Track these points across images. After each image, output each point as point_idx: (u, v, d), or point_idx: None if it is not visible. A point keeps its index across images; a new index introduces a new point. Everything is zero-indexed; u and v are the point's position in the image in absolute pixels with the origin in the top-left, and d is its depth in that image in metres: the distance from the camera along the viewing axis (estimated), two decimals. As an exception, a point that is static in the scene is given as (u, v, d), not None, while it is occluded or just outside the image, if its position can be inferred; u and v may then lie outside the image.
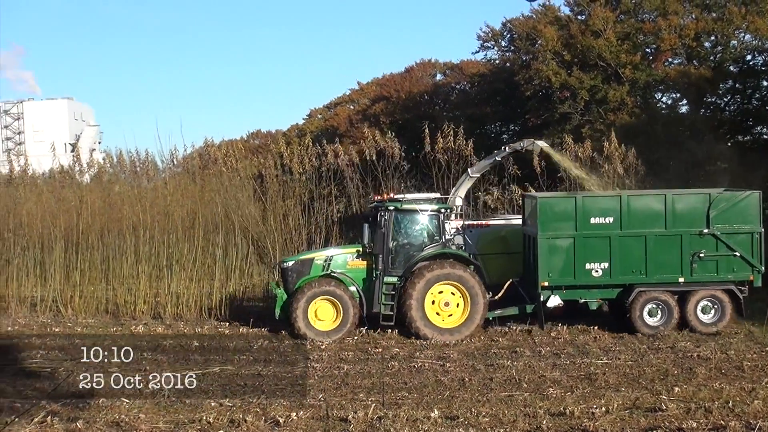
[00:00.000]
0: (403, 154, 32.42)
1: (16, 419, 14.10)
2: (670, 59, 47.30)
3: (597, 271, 23.02)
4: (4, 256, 29.36)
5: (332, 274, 23.91)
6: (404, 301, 22.91)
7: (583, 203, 23.18)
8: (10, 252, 29.28)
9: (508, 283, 24.09)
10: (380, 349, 21.03)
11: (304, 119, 77.99)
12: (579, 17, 49.38)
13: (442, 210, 24.21)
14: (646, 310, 22.95)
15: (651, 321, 22.97)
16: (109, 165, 37.57)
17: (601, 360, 19.45)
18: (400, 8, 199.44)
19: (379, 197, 25.24)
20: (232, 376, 18.07)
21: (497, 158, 28.18)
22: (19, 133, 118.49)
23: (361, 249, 24.26)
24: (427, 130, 32.23)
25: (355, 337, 22.72)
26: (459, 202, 27.16)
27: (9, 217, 30.48)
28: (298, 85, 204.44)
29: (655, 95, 49.33)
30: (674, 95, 49.57)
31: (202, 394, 16.38)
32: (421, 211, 24.14)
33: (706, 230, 22.92)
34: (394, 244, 23.92)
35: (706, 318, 23.09)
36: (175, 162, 35.65)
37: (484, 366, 18.93)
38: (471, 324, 22.94)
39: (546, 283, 23.00)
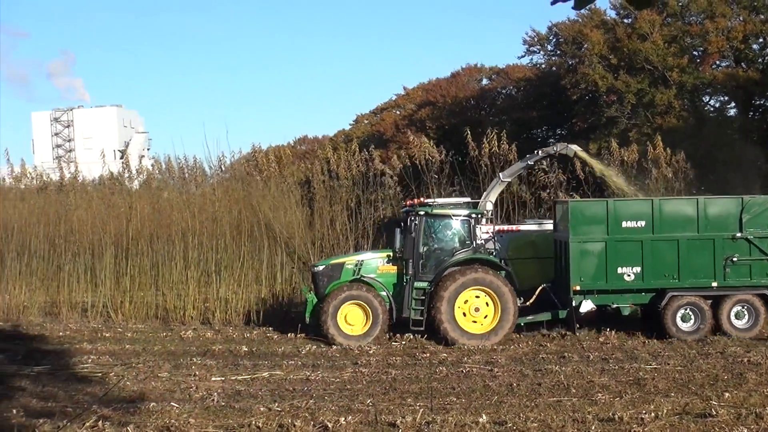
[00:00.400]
0: (447, 159, 32.32)
1: (68, 423, 14.24)
2: (717, 62, 47.04)
3: (629, 276, 22.86)
4: (56, 262, 29.69)
5: (363, 278, 23.92)
6: (434, 306, 22.79)
7: (615, 207, 23.05)
8: (61, 258, 29.60)
9: (540, 288, 23.91)
10: (428, 354, 21.02)
11: (350, 125, 78.34)
12: (625, 20, 49.20)
13: (473, 215, 24.12)
14: (679, 315, 22.76)
15: (684, 326, 22.77)
16: (157, 171, 37.90)
17: (650, 365, 19.31)
18: (446, 13, 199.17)
19: (410, 202, 25.23)
20: (281, 380, 18.16)
21: (530, 162, 28.00)
22: (69, 141, 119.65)
23: (391, 254, 24.23)
24: (469, 135, 32.16)
25: (403, 342, 22.72)
26: (489, 206, 26.93)
27: (60, 224, 30.81)
28: (345, 90, 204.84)
29: (703, 98, 49.12)
30: (722, 98, 49.33)
31: (251, 398, 16.50)
32: (452, 216, 24.10)
33: (739, 234, 22.69)
34: (425, 249, 23.88)
35: (739, 323, 22.85)
36: (223, 168, 35.90)
37: (532, 371, 18.86)
38: (501, 329, 22.80)
39: (578, 288, 22.87)
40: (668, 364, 19.43)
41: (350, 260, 24.48)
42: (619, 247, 22.78)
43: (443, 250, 24.02)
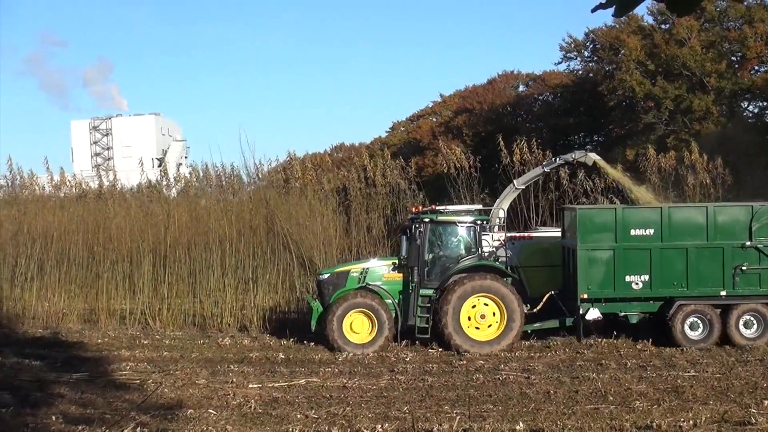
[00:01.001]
0: (476, 165, 32.23)
1: (107, 430, 14.32)
2: (756, 67, 46.75)
3: (637, 284, 22.66)
4: (95, 270, 29.88)
5: (368, 286, 23.84)
6: (440, 314, 22.69)
7: (623, 215, 22.86)
8: (100, 266, 29.79)
9: (547, 295, 23.72)
10: (464, 362, 20.99)
11: (387, 132, 78.53)
12: (663, 26, 49.01)
13: (478, 222, 24.01)
14: (687, 323, 22.53)
15: (692, 335, 22.54)
16: (195, 179, 38.09)
17: (689, 372, 19.19)
18: (483, 20, 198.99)
19: (417, 209, 25.14)
20: (318, 387, 18.19)
21: (546, 169, 27.75)
22: (108, 149, 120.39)
23: (397, 261, 24.20)
24: (502, 142, 32.09)
25: (439, 349, 22.68)
26: (502, 213, 26.68)
27: (99, 232, 31.01)
28: (381, 98, 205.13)
29: (741, 104, 48.80)
30: (760, 104, 48.96)
31: (288, 405, 16.54)
32: (457, 223, 23.99)
33: (748, 243, 22.45)
34: (430, 256, 23.76)
35: (748, 332, 22.58)
36: (260, 176, 36.03)
37: (569, 378, 18.80)
38: (507, 337, 22.69)
39: (585, 296, 22.69)
40: (707, 371, 19.30)
41: (355, 268, 24.43)
42: (628, 254, 22.61)
43: (449, 257, 23.93)
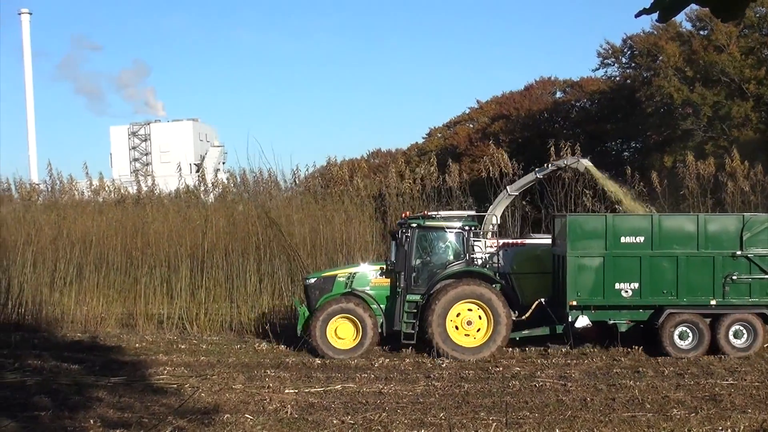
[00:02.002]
0: (520, 171, 32.16)
1: (144, 434, 14.45)
2: (795, 73, 46.24)
3: (627, 292, 22.47)
4: (133, 274, 30.05)
5: (354, 291, 23.80)
6: (426, 319, 22.56)
7: (614, 222, 22.70)
8: (138, 271, 29.96)
9: (536, 303, 23.60)
10: (501, 368, 20.93)
11: (423, 138, 78.43)
12: (701, 32, 48.72)
13: (466, 227, 23.86)
14: (676, 332, 22.35)
15: (682, 344, 22.34)
16: (232, 184, 38.24)
17: (727, 381, 19.05)
18: (520, 26, 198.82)
19: (406, 215, 25.03)
20: (354, 393, 18.19)
21: (539, 175, 27.58)
22: (146, 154, 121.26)
23: (385, 266, 24.15)
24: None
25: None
26: (495, 220, 26.47)
27: (137, 237, 31.20)
28: (419, 104, 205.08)
29: (781, 110, 48.31)
30: (801, 110, 48.48)
31: (324, 411, 16.56)
32: (445, 228, 23.92)
33: (739, 252, 22.23)
34: (418, 261, 23.68)
35: (738, 342, 22.36)
36: (297, 181, 36.15)
37: (606, 386, 18.71)
38: (493, 343, 22.56)
39: (574, 303, 22.53)
40: (745, 379, 19.16)
41: (342, 273, 24.38)
42: (617, 262, 22.43)
43: (436, 262, 23.83)
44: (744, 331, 22.40)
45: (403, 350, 23.28)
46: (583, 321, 22.68)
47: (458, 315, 22.73)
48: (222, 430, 15.02)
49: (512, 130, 61.95)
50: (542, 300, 23.62)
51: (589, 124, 56.79)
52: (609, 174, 28.84)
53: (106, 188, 38.62)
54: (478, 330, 22.76)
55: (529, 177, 27.75)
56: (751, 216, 22.86)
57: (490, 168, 32.60)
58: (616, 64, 58.97)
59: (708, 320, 22.48)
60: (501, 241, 25.19)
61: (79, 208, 34.57)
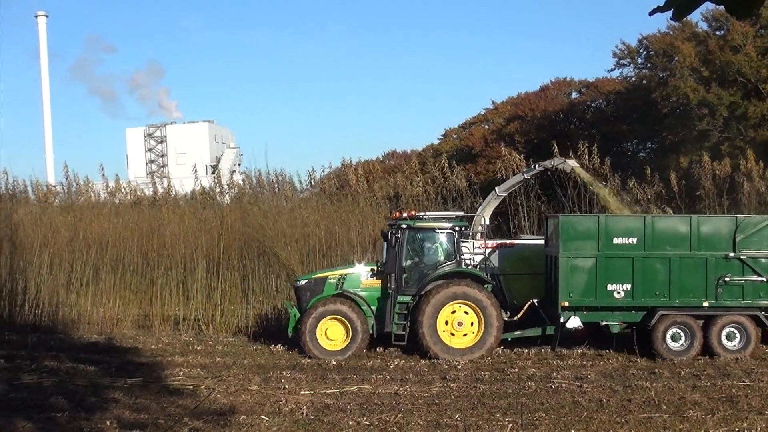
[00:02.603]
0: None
1: (161, 435, 14.48)
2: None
3: (619, 293, 22.40)
4: (149, 276, 30.11)
5: (345, 293, 23.78)
6: (416, 320, 22.54)
7: (606, 223, 22.65)
8: (154, 272, 30.03)
9: (528, 303, 23.56)
10: (516, 369, 20.89)
11: (439, 139, 78.46)
12: (717, 33, 48.60)
13: (457, 228, 23.79)
14: (669, 334, 22.26)
15: (674, 346, 22.26)
16: (248, 186, 38.28)
17: (743, 382, 18.99)
18: (535, 27, 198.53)
19: (396, 215, 24.96)
20: (370, 394, 18.19)
21: (526, 176, 27.67)
22: (162, 156, 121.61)
23: (375, 268, 24.13)
24: (556, 149, 31.96)
25: (489, 358, 22.60)
26: (483, 221, 26.48)
27: (153, 238, 31.26)
28: (434, 105, 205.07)
29: (797, 110, 48.13)
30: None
31: (339, 412, 16.56)
32: (435, 229, 23.88)
33: (732, 254, 22.16)
34: (408, 262, 23.66)
35: (730, 344, 22.27)
36: (313, 183, 36.18)
37: (622, 387, 18.67)
38: (484, 344, 22.52)
39: (566, 304, 22.48)
40: (762, 381, 19.11)
41: (333, 274, 24.37)
42: (610, 263, 22.39)
43: (427, 263, 23.82)
44: (737, 333, 22.34)
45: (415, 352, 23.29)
46: (574, 322, 22.65)
47: (449, 315, 22.72)
48: (238, 431, 15.04)
49: (527, 131, 61.91)
50: (534, 301, 23.59)
51: (604, 125, 56.69)
52: (626, 173, 28.80)
53: (122, 190, 38.71)
54: (469, 332, 22.74)
55: (517, 178, 27.92)
56: (744, 218, 22.81)
57: (504, 170, 32.53)
58: (631, 65, 58.90)
59: (700, 322, 22.42)
60: (490, 242, 25.23)
61: (95, 209, 34.66)
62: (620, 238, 22.44)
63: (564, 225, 22.73)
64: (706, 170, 30.73)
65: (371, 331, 23.50)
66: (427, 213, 25.35)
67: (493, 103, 73.94)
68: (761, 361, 21.62)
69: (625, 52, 57.67)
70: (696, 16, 52.09)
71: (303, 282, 24.41)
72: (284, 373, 20.60)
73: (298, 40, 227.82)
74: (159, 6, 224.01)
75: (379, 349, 23.82)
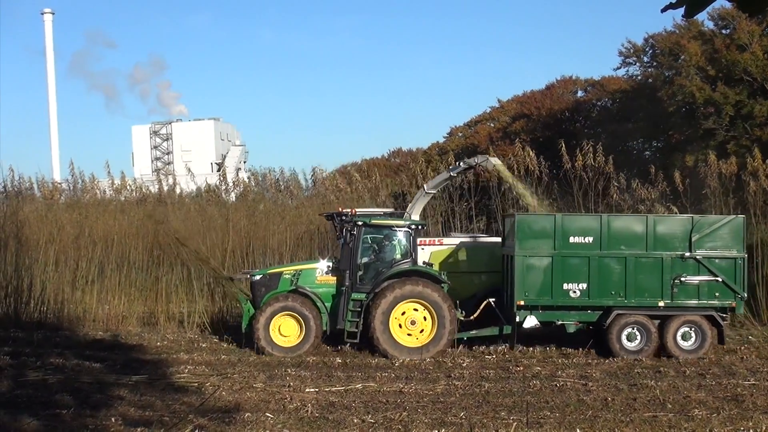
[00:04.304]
0: (545, 170, 32.11)
1: (166, 432, 14.49)
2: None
3: (575, 292, 22.38)
4: (154, 273, 30.14)
5: (299, 289, 23.74)
6: (370, 317, 22.50)
7: (563, 222, 22.60)
8: (159, 269, 30.06)
9: (485, 303, 23.53)
10: (521, 368, 20.88)
11: (444, 137, 78.32)
12: (723, 31, 48.51)
13: (413, 226, 23.76)
14: (624, 334, 22.22)
15: (629, 345, 22.22)
16: (254, 184, 38.31)
17: (749, 381, 18.99)
18: (541, 26, 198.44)
19: (340, 210, 24.92)
20: (375, 392, 18.20)
21: (452, 174, 27.61)
22: (167, 153, 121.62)
23: (331, 264, 24.10)
24: (563, 147, 31.97)
25: (494, 356, 22.59)
26: (414, 218, 26.48)
27: (159, 236, 31.27)
28: (440, 103, 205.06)
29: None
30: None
31: (344, 410, 16.57)
32: (391, 227, 23.86)
33: (688, 254, 22.16)
34: (364, 260, 23.61)
35: (686, 344, 22.24)
36: (318, 181, 36.22)
37: (627, 386, 18.67)
38: (437, 344, 22.46)
39: (522, 303, 22.43)
40: (767, 380, 19.08)
41: (288, 270, 24.37)
42: (566, 262, 22.39)
43: (382, 261, 23.75)
44: (692, 333, 22.33)
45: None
46: (531, 321, 22.64)
47: (402, 314, 22.69)
48: (243, 429, 15.05)
49: (533, 130, 61.85)
50: (491, 300, 23.56)
51: (610, 124, 56.59)
52: (631, 172, 28.76)
53: (128, 187, 38.72)
54: (422, 330, 22.69)
55: (444, 175, 27.92)
56: (700, 218, 22.84)
57: (515, 167, 32.48)
58: (637, 63, 58.79)
59: (656, 322, 22.42)
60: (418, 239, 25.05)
61: (101, 207, 34.69)
62: (576, 238, 22.44)
63: (520, 224, 22.70)
64: (711, 169, 30.65)
65: (325, 328, 23.52)
66: (359, 209, 25.28)
67: (499, 101, 73.85)
68: (766, 360, 21.60)
69: (631, 50, 57.56)
70: (702, 15, 52.04)
71: (258, 277, 24.37)
72: (289, 370, 20.60)
73: (304, 37, 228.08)
74: (165, 3, 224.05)
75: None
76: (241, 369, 20.83)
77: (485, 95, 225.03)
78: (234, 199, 37.82)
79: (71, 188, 38.27)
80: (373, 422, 15.53)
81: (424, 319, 22.70)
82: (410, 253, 23.58)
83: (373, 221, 23.79)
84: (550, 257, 22.42)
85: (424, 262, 24.28)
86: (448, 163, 34.55)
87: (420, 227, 24.38)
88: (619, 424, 15.34)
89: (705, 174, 30.75)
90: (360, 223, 23.51)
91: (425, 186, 27.77)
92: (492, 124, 71.99)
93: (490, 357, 22.49)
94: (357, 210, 24.97)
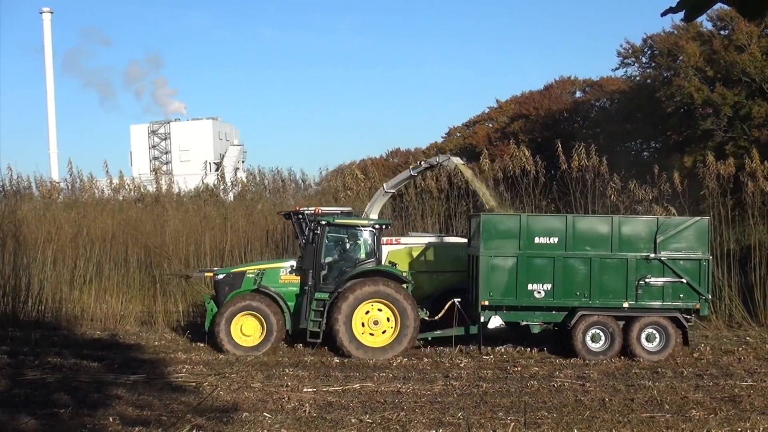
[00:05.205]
0: (543, 170, 32.12)
1: (163, 432, 14.50)
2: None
3: (539, 293, 22.32)
4: (151, 272, 30.16)
5: (262, 289, 23.74)
6: (332, 317, 22.46)
7: (528, 222, 22.55)
8: (157, 269, 30.08)
9: (449, 303, 23.46)
10: (519, 368, 20.89)
11: (443, 137, 78.29)
12: (722, 32, 48.51)
13: (376, 226, 23.75)
14: (588, 335, 22.21)
15: (593, 346, 22.20)
16: (252, 184, 38.33)
17: (746, 382, 19.01)
18: (539, 26, 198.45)
19: (298, 208, 24.95)
20: (372, 392, 18.20)
21: (413, 173, 27.66)
22: (166, 153, 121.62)
23: (295, 264, 24.08)
24: (560, 148, 31.99)
25: (491, 356, 22.60)
26: (373, 218, 26.48)
27: (157, 235, 31.29)
28: (438, 103, 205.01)
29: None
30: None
31: (342, 410, 16.58)
32: (354, 226, 23.85)
33: (652, 255, 22.14)
34: (327, 259, 23.59)
35: (650, 346, 22.19)
36: (316, 181, 36.26)
37: (624, 386, 18.68)
38: (399, 345, 22.46)
39: (487, 303, 22.38)
40: (764, 381, 19.13)
41: (251, 269, 24.38)
42: (531, 263, 22.33)
43: (346, 261, 23.75)
44: (656, 334, 22.29)
45: (422, 349, 23.32)
46: (495, 321, 22.62)
47: (366, 314, 22.68)
48: (240, 429, 15.06)
49: (531, 130, 61.84)
50: (456, 300, 23.50)
51: (608, 124, 56.56)
52: (629, 173, 28.77)
53: (126, 187, 38.75)
54: (385, 331, 22.70)
55: (404, 174, 28.00)
56: (665, 219, 22.91)
57: (512, 166, 32.49)
58: (636, 64, 58.75)
59: (621, 323, 22.39)
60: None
61: (99, 206, 34.73)
62: (541, 238, 22.40)
63: (485, 224, 22.66)
64: (710, 170, 30.63)
65: (287, 328, 23.53)
66: (311, 207, 25.29)
67: (497, 101, 73.85)
68: (764, 361, 21.62)
69: (630, 51, 57.53)
70: (701, 16, 52.00)
71: (222, 276, 24.39)
72: (287, 370, 20.61)
73: (303, 36, 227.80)
74: (164, 2, 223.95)
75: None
76: (239, 369, 20.83)
77: (484, 95, 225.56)
78: (232, 199, 37.84)
79: (69, 187, 38.29)
80: (370, 422, 15.54)
81: (388, 319, 22.73)
82: (374, 252, 23.58)
83: (337, 220, 23.77)
84: (515, 257, 22.35)
85: (390, 262, 24.28)
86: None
87: (384, 227, 24.37)
88: (617, 424, 15.35)
89: (703, 175, 30.76)
90: (323, 222, 23.47)
91: (384, 185, 27.89)
92: (490, 125, 71.98)
93: (487, 357, 22.49)
94: (309, 209, 24.96)
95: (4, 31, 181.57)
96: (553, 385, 18.85)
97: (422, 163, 27.65)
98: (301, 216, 24.32)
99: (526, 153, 32.78)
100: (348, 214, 25.38)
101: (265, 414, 16.00)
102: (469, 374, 20.28)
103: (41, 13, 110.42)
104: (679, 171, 29.98)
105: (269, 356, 22.86)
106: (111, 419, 15.34)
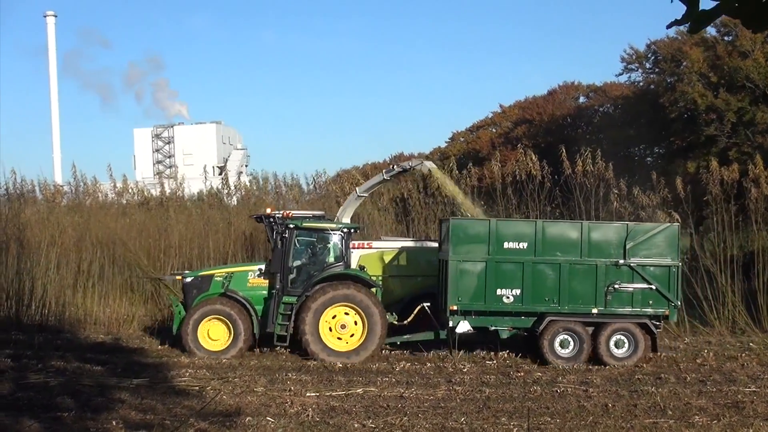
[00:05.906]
0: (548, 175, 32.08)
1: (167, 436, 14.51)
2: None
3: (508, 298, 22.29)
4: (155, 276, 30.17)
5: (229, 292, 23.68)
6: (300, 319, 22.46)
7: (497, 227, 22.52)
8: (161, 272, 30.09)
9: (419, 307, 23.51)
10: (522, 373, 20.89)
11: (446, 142, 78.48)
12: (725, 38, 48.54)
13: (345, 230, 23.75)
14: (557, 340, 22.19)
15: (562, 352, 22.18)
16: (255, 188, 38.34)
17: (749, 388, 19.00)
18: (544, 31, 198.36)
19: (270, 211, 24.79)
20: (375, 397, 18.21)
21: (386, 177, 27.56)
22: (169, 157, 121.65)
23: (263, 267, 24.06)
24: (564, 153, 31.96)
25: (494, 361, 22.59)
26: (345, 221, 26.44)
27: (160, 239, 31.31)
28: (441, 108, 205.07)
29: (806, 117, 48.02)
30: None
31: (345, 414, 16.58)
32: (323, 230, 23.79)
33: (622, 261, 22.14)
34: (295, 263, 23.55)
35: (619, 352, 22.18)
36: (319, 185, 36.26)
37: (627, 392, 18.68)
38: (366, 349, 22.47)
39: (455, 308, 22.34)
40: (768, 387, 19.11)
41: (220, 272, 24.35)
42: (500, 268, 22.30)
43: (314, 264, 23.71)
44: (625, 340, 22.26)
45: (425, 354, 23.30)
46: (464, 326, 22.57)
47: (334, 318, 22.70)
48: (243, 433, 15.08)
49: (535, 135, 61.95)
50: (425, 305, 23.52)
51: (612, 130, 56.67)
52: (632, 178, 28.74)
53: (130, 190, 38.79)
54: (353, 334, 22.71)
55: (377, 178, 27.91)
56: (634, 225, 22.87)
57: (517, 171, 32.46)
58: (639, 70, 58.86)
59: (590, 329, 22.38)
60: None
61: (102, 210, 34.75)
62: (511, 243, 22.37)
63: (455, 228, 22.66)
64: (713, 176, 30.61)
65: (255, 332, 23.48)
66: (292, 212, 25.25)
67: (501, 106, 74.06)
68: (767, 367, 21.59)
69: (634, 56, 57.62)
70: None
71: (190, 279, 24.39)
72: (290, 374, 20.61)
73: (306, 40, 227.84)
74: (165, 4, 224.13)
75: (385, 352, 23.83)
76: (242, 373, 20.82)
77: (487, 100, 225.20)
78: (235, 203, 37.84)
79: (73, 191, 38.32)
80: (373, 427, 15.54)
81: (355, 323, 22.74)
82: (343, 256, 23.58)
83: (305, 224, 23.74)
84: (484, 262, 22.33)
85: (359, 266, 24.27)
86: (449, 168, 34.55)
87: (353, 230, 24.39)
88: (620, 430, 15.36)
89: (706, 181, 30.75)
90: (292, 225, 23.43)
91: (357, 189, 27.86)
92: (494, 129, 72.13)
93: (490, 362, 22.48)
94: (277, 211, 24.95)
95: (6, 33, 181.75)
96: (556, 391, 18.84)
97: (395, 167, 27.61)
98: (272, 219, 24.28)
99: (533, 157, 32.75)
100: (320, 218, 25.31)
101: (268, 418, 16.01)
102: (472, 379, 20.26)
103: (45, 16, 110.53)
104: (683, 177, 29.97)
105: (272, 360, 22.87)
106: (114, 423, 15.34)
